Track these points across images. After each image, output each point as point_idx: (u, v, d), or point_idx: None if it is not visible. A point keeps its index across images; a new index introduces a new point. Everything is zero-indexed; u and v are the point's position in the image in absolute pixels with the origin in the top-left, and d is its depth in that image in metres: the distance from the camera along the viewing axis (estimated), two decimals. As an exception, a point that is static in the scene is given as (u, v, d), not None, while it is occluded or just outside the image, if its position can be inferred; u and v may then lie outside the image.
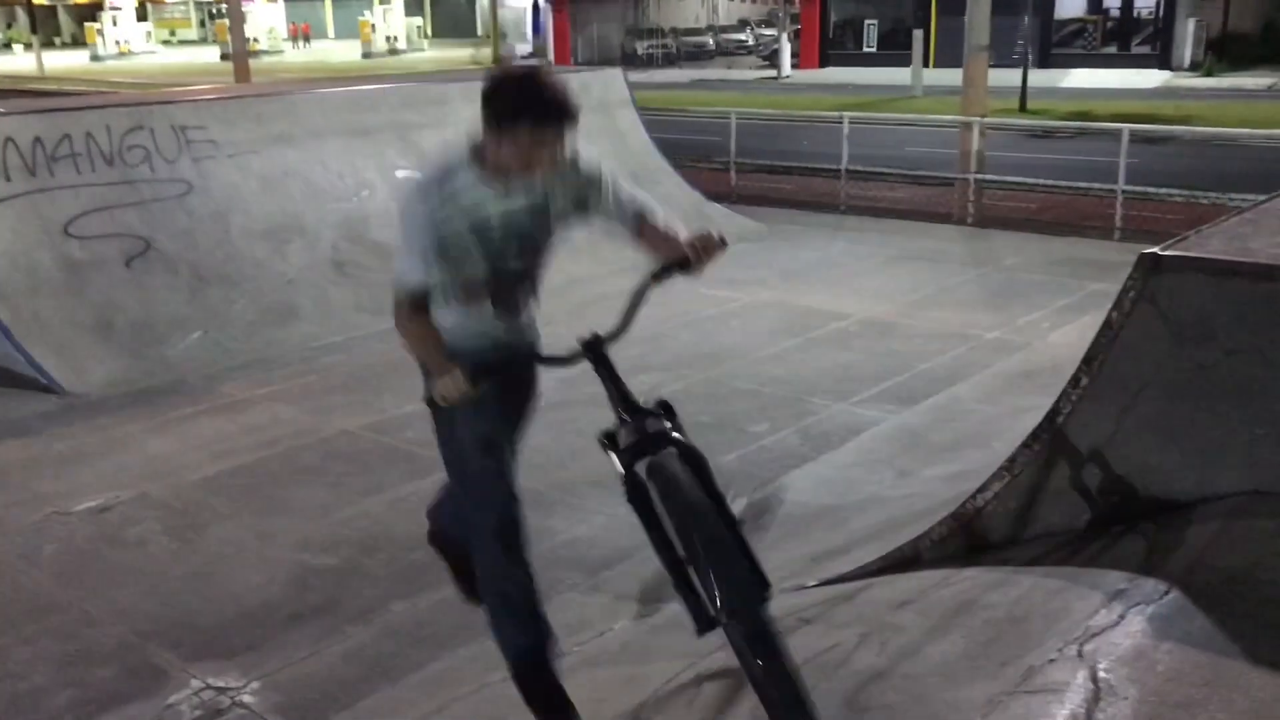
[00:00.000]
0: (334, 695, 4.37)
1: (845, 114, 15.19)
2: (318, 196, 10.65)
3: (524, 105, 3.01)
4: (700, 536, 2.87)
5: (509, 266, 3.27)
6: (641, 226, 3.35)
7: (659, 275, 3.16)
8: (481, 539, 3.34)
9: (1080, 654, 2.99)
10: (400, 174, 11.40)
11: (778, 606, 4.33)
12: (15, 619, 4.91)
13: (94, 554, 5.57)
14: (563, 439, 6.96)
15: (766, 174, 15.86)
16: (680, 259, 3.17)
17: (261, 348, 8.94)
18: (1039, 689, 2.88)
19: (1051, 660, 3.00)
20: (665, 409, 3.18)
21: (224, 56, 41.41)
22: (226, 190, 10.01)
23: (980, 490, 4.15)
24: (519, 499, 3.35)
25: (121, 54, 54.26)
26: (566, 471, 6.47)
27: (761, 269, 11.46)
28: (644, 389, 7.75)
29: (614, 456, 3.20)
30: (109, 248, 9.11)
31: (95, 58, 53.29)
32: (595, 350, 3.17)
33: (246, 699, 4.37)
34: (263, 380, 8.17)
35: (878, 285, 10.75)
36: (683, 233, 3.22)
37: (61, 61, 50.19)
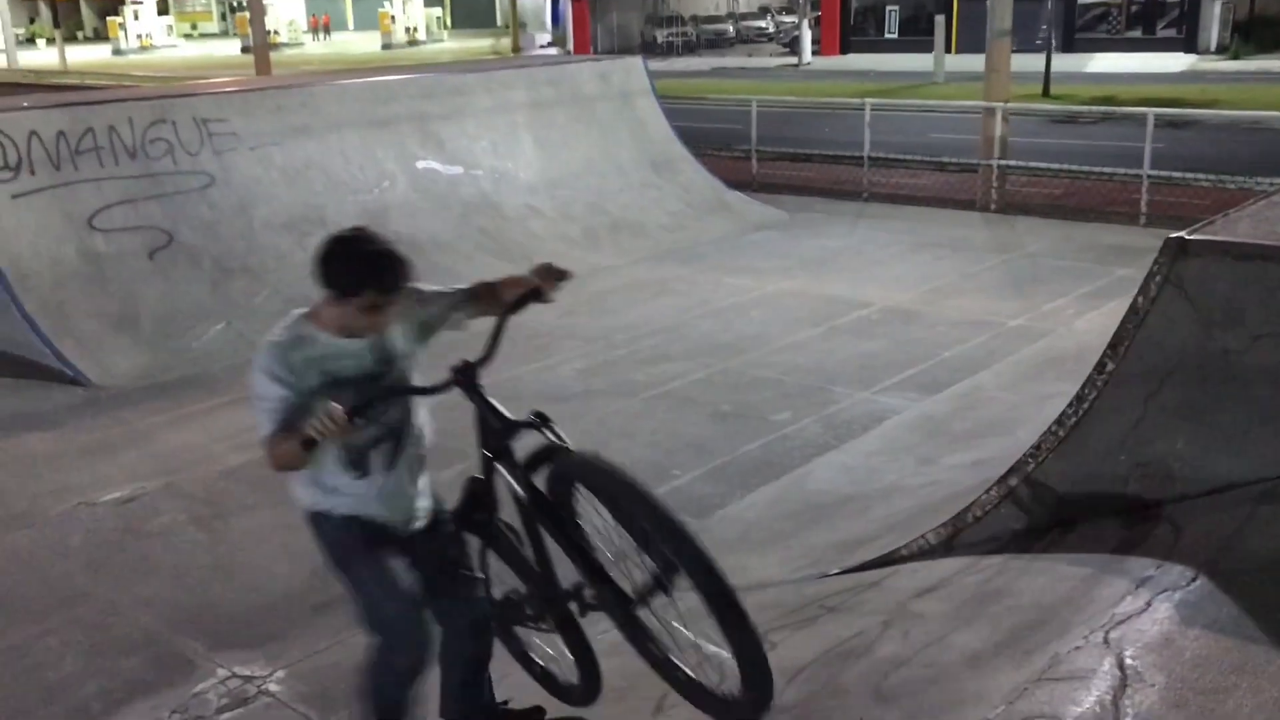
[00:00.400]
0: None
1: (867, 100, 15.11)
2: (338, 188, 10.67)
3: (365, 276, 3.04)
4: (653, 514, 2.98)
5: (381, 420, 3.22)
6: (477, 292, 3.39)
7: (515, 307, 3.27)
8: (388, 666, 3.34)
9: (1107, 641, 2.97)
10: (420, 165, 11.42)
11: (801, 594, 4.33)
12: (44, 609, 4.95)
13: (120, 544, 5.61)
14: (586, 429, 6.96)
15: (788, 161, 15.80)
16: (532, 289, 3.28)
17: (284, 339, 8.97)
18: (1065, 676, 2.86)
19: (1078, 647, 2.98)
20: (542, 418, 3.20)
21: (245, 49, 41.54)
22: (248, 182, 10.05)
23: (1005, 477, 4.12)
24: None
25: (143, 48, 54.55)
26: (588, 461, 6.47)
27: (783, 257, 11.42)
28: (665, 378, 7.80)
29: (508, 475, 3.21)
30: (132, 240, 9.16)
31: (117, 52, 53.60)
32: (467, 376, 3.21)
33: (272, 687, 4.39)
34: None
35: (900, 273, 10.69)
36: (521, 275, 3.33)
37: (84, 56, 50.49)
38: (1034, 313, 9.13)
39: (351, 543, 3.27)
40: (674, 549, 3.00)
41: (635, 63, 14.38)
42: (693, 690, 3.20)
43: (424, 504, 3.44)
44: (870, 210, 13.84)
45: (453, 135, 11.82)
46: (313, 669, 4.48)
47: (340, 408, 2.90)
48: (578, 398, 7.53)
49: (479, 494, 3.42)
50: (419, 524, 3.40)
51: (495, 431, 3.23)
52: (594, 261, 11.31)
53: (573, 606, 3.36)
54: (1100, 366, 3.90)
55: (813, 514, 5.67)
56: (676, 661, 3.21)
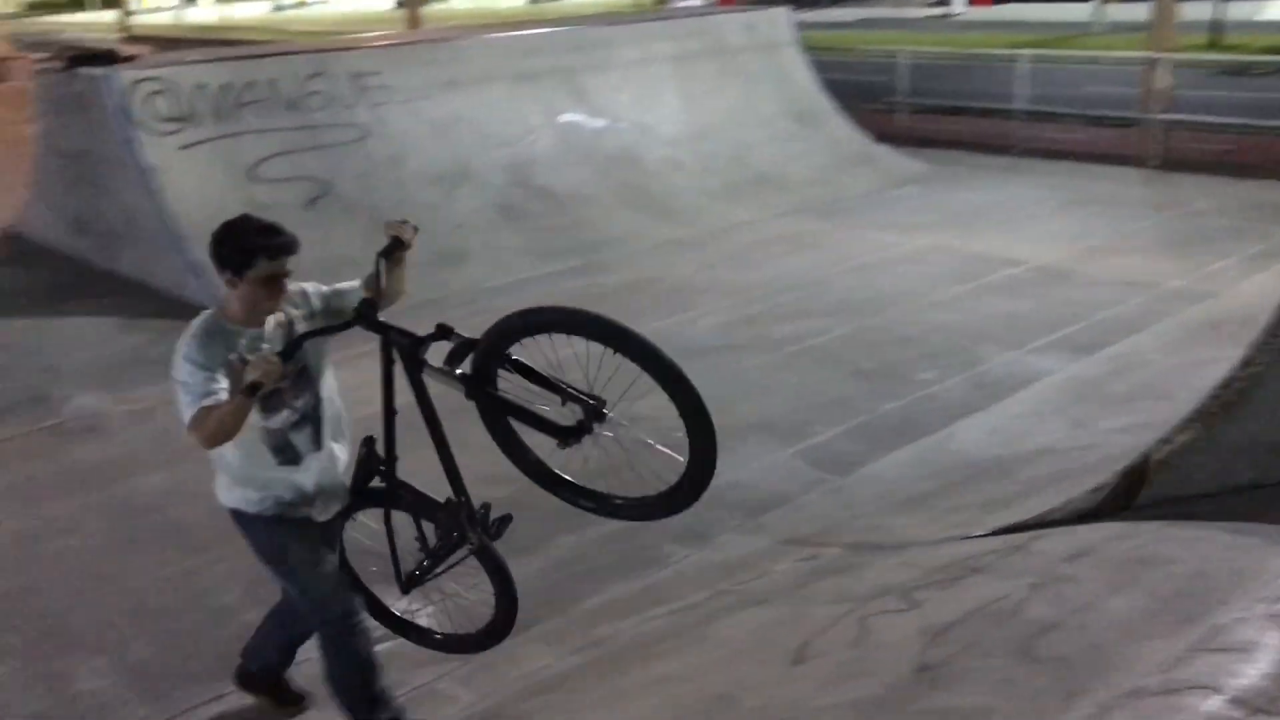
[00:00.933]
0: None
1: (1020, 51, 14.57)
2: (484, 141, 10.85)
3: (254, 247, 3.29)
4: (585, 320, 3.46)
5: (295, 405, 3.49)
6: (374, 282, 3.59)
7: (387, 252, 3.56)
8: (328, 628, 3.66)
9: (1271, 614, 2.85)
10: (563, 118, 11.51)
11: (945, 554, 4.28)
12: (209, 542, 5.22)
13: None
14: (725, 382, 6.97)
15: (936, 115, 15.40)
16: (394, 238, 3.57)
17: (432, 289, 9.18)
18: (1225, 647, 2.76)
19: (1239, 619, 2.86)
20: (445, 328, 3.52)
21: (399, 4, 42.35)
22: (400, 135, 10.30)
23: (1163, 442, 3.98)
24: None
25: (300, 4, 56.14)
26: (728, 415, 6.42)
27: (929, 212, 11.16)
28: (805, 334, 7.74)
29: (438, 376, 3.50)
30: (291, 191, 9.50)
31: (277, 8, 55.34)
32: (367, 312, 3.51)
33: (421, 622, 4.55)
34: (435, 320, 8.40)
35: (1053, 230, 10.34)
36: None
37: (245, 12, 52.27)
38: (1196, 274, 8.74)
39: (282, 540, 3.55)
40: (621, 345, 3.33)
41: (781, 14, 14.15)
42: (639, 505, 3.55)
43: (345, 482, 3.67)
44: (1021, 165, 13.40)
45: (597, 88, 11.87)
46: (459, 605, 4.62)
47: (270, 352, 3.19)
48: (716, 352, 7.54)
49: (371, 455, 3.67)
50: (337, 507, 3.66)
51: (407, 347, 3.49)
52: (735, 215, 11.26)
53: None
54: (1273, 331, 3.72)
55: (956, 475, 5.58)
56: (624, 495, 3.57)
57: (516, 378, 3.49)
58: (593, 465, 3.52)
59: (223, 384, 3.27)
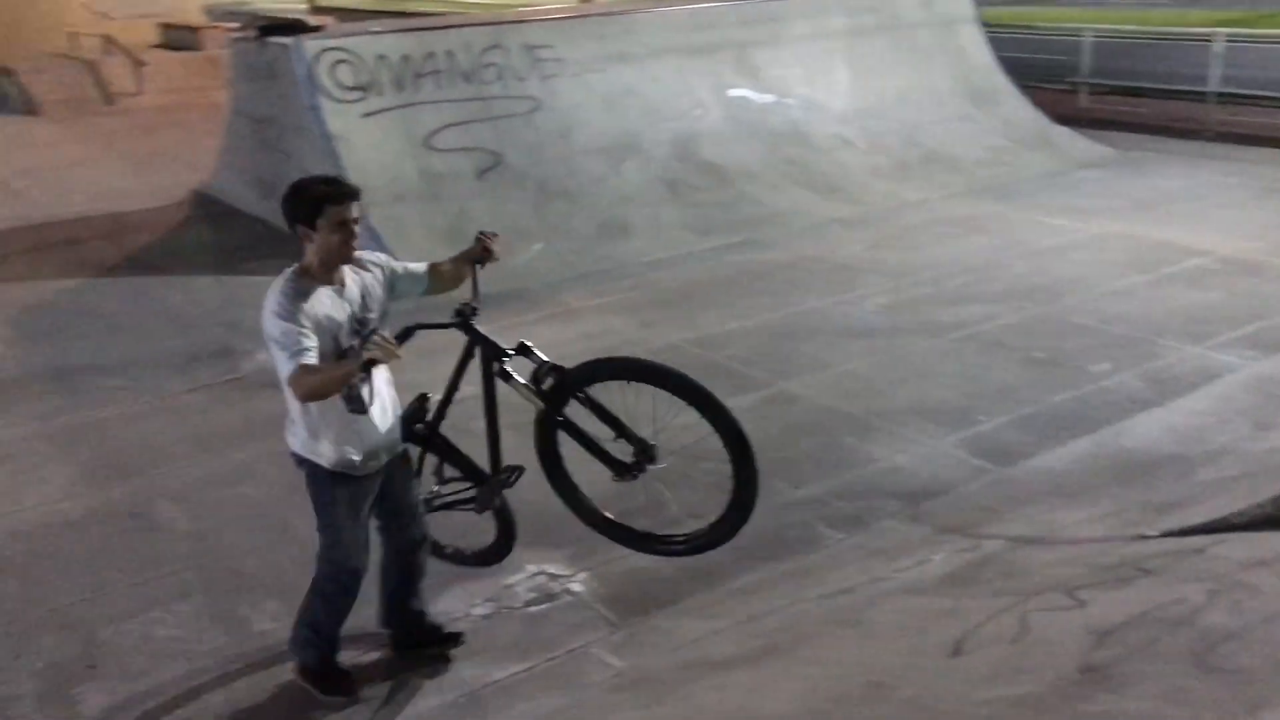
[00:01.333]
0: (654, 594, 4.57)
1: (1217, 30, 13.77)
2: (652, 115, 10.88)
3: (319, 194, 3.57)
4: (656, 371, 4.05)
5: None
6: (431, 271, 4.01)
7: (481, 261, 4.00)
8: (335, 575, 3.98)
9: None
10: (732, 93, 11.44)
11: (1113, 553, 4.12)
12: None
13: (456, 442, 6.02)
14: (886, 365, 6.86)
15: (1121, 96, 14.70)
16: (482, 250, 3.99)
17: (596, 261, 9.31)
18: None
19: None
20: (525, 347, 4.01)
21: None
22: (570, 107, 10.42)
23: (1363, 449, 3.72)
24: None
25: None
26: (888, 399, 6.37)
27: (1110, 198, 10.69)
28: (973, 319, 7.53)
29: (518, 388, 4.03)
30: (464, 161, 9.74)
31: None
32: (466, 316, 4.00)
33: (575, 588, 4.65)
34: (597, 291, 8.52)
35: (1245, 220, 9.77)
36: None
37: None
38: (1407, 271, 8.14)
39: (335, 495, 3.84)
40: (682, 393, 3.84)
41: (959, -13, 13.72)
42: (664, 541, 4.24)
43: (395, 434, 3.97)
44: (1214, 151, 12.69)
45: (767, 63, 11.75)
46: (612, 574, 4.70)
47: (388, 336, 3.45)
48: (879, 333, 7.41)
49: (421, 408, 4.14)
50: (386, 459, 3.92)
51: (493, 356, 3.99)
52: (903, 195, 11.01)
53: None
54: None
55: (1129, 471, 5.36)
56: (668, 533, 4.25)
57: (583, 411, 3.98)
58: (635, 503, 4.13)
59: (312, 341, 3.50)
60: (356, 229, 3.63)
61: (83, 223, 11.11)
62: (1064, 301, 7.85)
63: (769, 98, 11.64)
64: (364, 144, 9.37)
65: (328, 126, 9.24)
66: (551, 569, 4.77)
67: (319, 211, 3.55)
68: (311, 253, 3.62)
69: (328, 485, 3.83)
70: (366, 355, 3.37)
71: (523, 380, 3.99)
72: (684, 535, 4.21)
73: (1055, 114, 13.37)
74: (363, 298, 3.72)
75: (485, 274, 4.09)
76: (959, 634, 3.48)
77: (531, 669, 4.16)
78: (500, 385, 4.05)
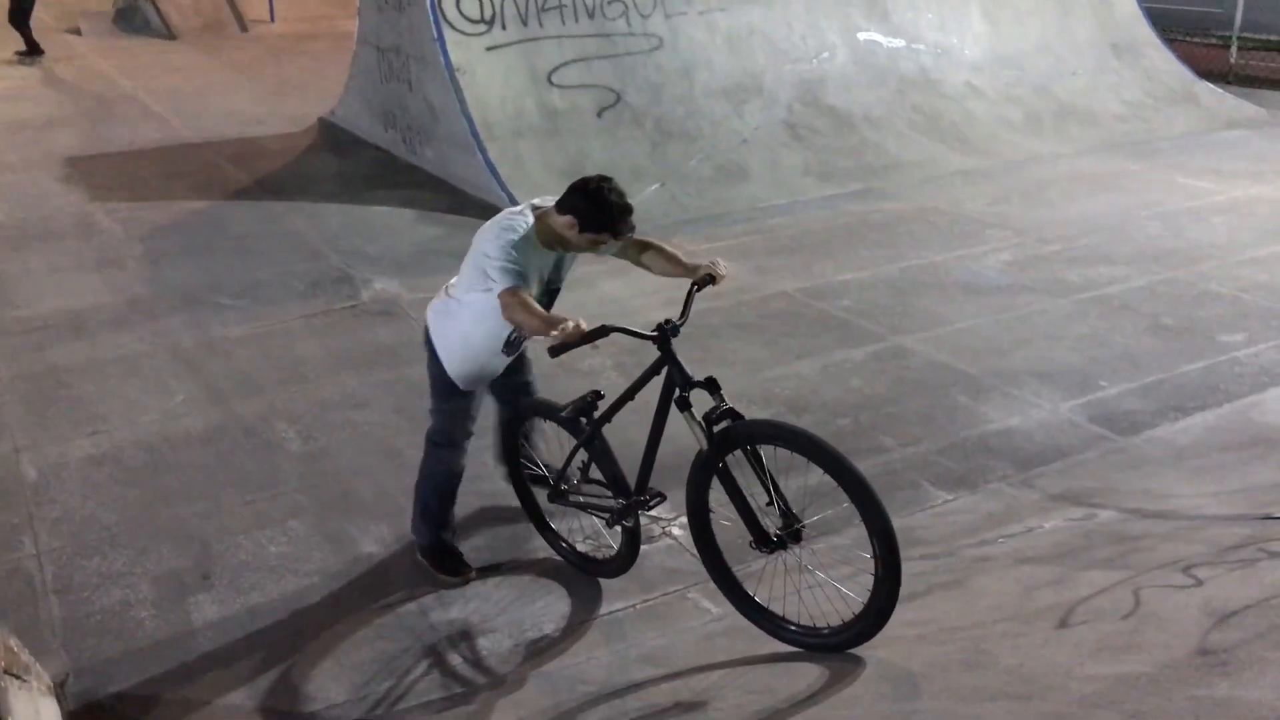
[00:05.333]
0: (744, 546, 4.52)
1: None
2: (777, 57, 10.65)
3: (609, 223, 3.76)
4: (824, 454, 3.55)
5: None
6: (640, 244, 4.09)
7: (701, 285, 3.95)
8: (438, 454, 4.38)
9: None
10: (861, 36, 11.13)
11: (1237, 533, 3.95)
12: (480, 429, 5.48)
13: (553, 378, 6.05)
14: (1006, 325, 6.66)
15: (1275, 53, 13.89)
16: (708, 276, 3.96)
17: (712, 205, 9.22)
18: None
19: None
20: (713, 383, 3.77)
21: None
22: (693, 47, 10.27)
23: None
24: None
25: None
26: (1006, 359, 6.19)
27: (1257, 160, 10.16)
28: (1101, 281, 7.26)
29: (692, 423, 3.80)
30: (584, 98, 9.69)
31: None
32: (665, 334, 3.80)
33: (676, 532, 4.65)
34: (711, 235, 8.44)
35: (1405, 189, 9.19)
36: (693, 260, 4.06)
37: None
38: None
39: (456, 390, 4.19)
40: (846, 485, 3.49)
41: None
42: (795, 631, 3.76)
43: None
44: (1376, 113, 11.95)
45: (899, 6, 11.38)
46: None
47: (581, 328, 3.57)
48: (1001, 291, 7.19)
49: (589, 405, 4.08)
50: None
51: (677, 385, 3.79)
52: (1035, 148, 10.63)
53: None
54: None
55: (1259, 448, 5.12)
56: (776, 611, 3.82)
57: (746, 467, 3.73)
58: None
59: (526, 286, 3.78)
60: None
61: (214, 146, 11.42)
62: (1199, 267, 7.51)
63: (899, 42, 11.29)
64: (486, 77, 9.38)
65: (451, 58, 9.27)
66: (654, 512, 4.76)
67: (597, 233, 3.78)
68: (557, 228, 3.81)
69: (446, 384, 4.19)
70: (548, 344, 3.61)
71: (699, 417, 3.77)
72: (818, 628, 3.73)
73: (1202, 69, 12.72)
74: (557, 264, 3.98)
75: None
76: (1068, 605, 3.38)
77: (632, 607, 4.19)
78: (674, 412, 3.88)
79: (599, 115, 9.66)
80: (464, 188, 9.50)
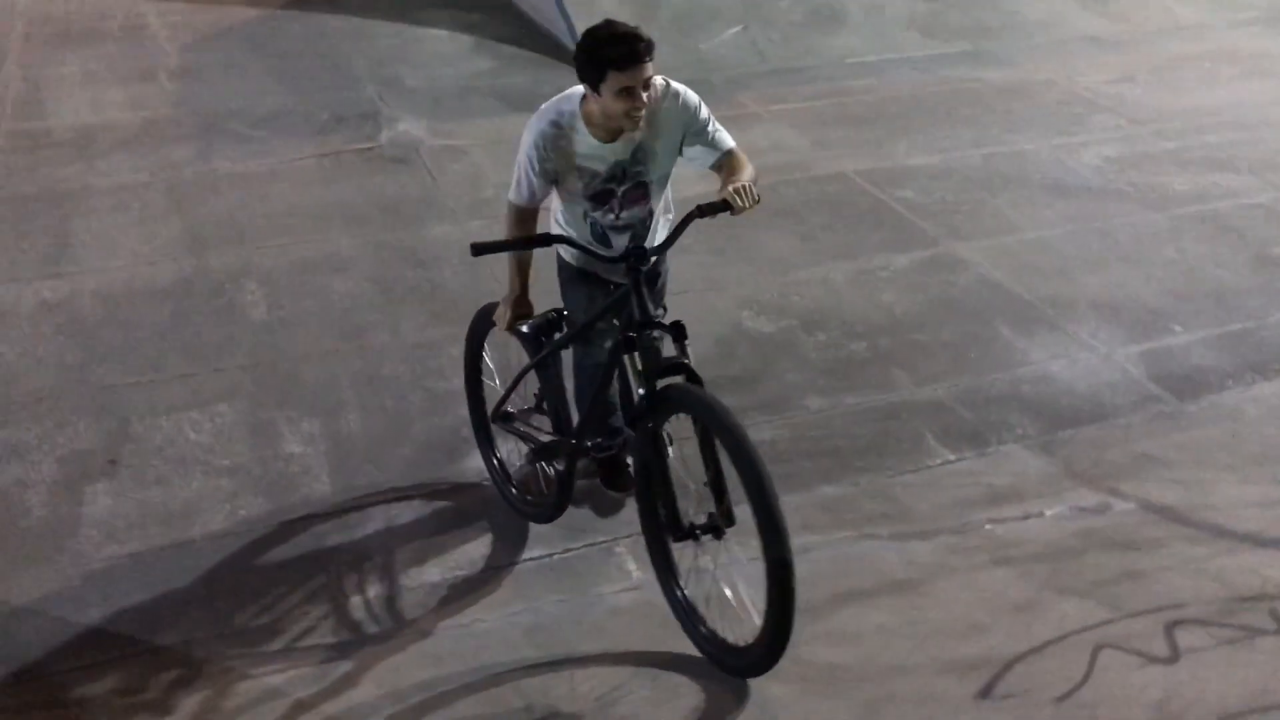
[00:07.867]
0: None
1: None
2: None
3: (603, 58, 3.08)
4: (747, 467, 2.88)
5: (622, 215, 3.47)
6: (724, 162, 3.44)
7: (704, 212, 3.24)
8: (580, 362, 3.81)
9: None
10: None
11: (1252, 580, 3.27)
12: (461, 316, 4.96)
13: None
14: (1080, 238, 5.81)
15: None
16: (721, 202, 3.25)
17: (796, 55, 8.31)
18: None
19: None
20: (680, 330, 3.20)
21: None
22: None
23: None
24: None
25: None
26: (1071, 284, 5.35)
27: None
28: (1212, 193, 6.26)
29: (633, 367, 3.31)
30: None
31: None
32: (637, 260, 3.26)
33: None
34: (779, 95, 7.59)
35: None
36: (735, 180, 3.30)
37: None
38: None
39: (576, 279, 3.65)
40: (756, 503, 2.87)
41: None
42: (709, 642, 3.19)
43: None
44: None
45: None
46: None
47: (512, 320, 3.53)
48: (1090, 194, 6.26)
49: (552, 324, 3.64)
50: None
51: (635, 322, 3.22)
52: (1181, 15, 9.28)
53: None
54: None
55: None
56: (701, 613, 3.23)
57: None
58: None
59: (536, 185, 3.36)
60: (646, 94, 3.16)
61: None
62: (1338, 185, 6.42)
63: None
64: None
65: None
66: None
67: (602, 78, 3.11)
68: (594, 106, 3.22)
69: (569, 270, 3.69)
70: (497, 314, 3.60)
71: (640, 364, 3.22)
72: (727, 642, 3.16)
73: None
74: (635, 153, 3.34)
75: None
76: (1004, 661, 2.80)
77: (549, 556, 3.75)
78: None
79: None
80: (533, 15, 8.78)
